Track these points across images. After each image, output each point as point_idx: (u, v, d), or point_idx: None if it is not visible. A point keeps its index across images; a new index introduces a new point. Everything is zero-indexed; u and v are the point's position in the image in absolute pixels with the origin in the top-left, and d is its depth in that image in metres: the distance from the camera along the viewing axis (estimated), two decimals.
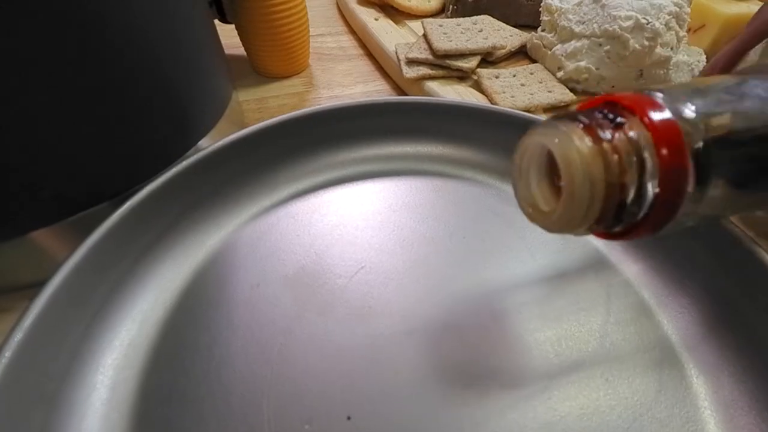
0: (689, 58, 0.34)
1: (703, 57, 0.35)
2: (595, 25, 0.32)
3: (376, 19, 0.41)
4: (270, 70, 0.35)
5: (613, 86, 0.33)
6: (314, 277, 0.20)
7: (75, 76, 0.16)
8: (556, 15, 0.35)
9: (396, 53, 0.35)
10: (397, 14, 0.42)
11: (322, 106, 0.24)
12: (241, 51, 0.35)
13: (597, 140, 0.12)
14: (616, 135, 0.12)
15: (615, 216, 0.12)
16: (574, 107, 0.14)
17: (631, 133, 0.12)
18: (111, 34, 0.17)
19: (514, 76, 0.33)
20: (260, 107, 0.33)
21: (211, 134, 0.23)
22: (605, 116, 0.12)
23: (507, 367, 0.17)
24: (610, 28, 0.31)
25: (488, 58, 0.35)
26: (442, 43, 0.33)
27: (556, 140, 0.12)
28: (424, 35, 0.35)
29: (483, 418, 0.16)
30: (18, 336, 0.14)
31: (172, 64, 0.20)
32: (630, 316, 0.19)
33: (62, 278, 0.15)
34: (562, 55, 0.34)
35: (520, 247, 0.21)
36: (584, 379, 0.17)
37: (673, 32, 0.32)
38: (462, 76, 0.33)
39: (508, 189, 0.24)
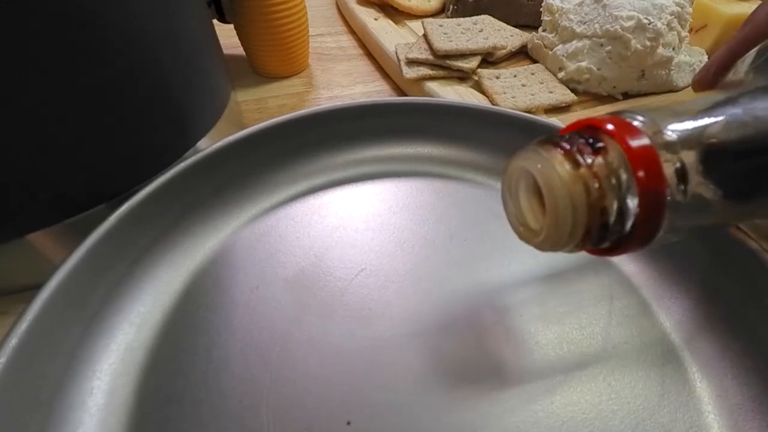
0: (691, 59, 0.34)
1: (705, 57, 0.35)
2: (596, 26, 0.32)
3: (376, 19, 0.40)
4: (269, 71, 0.35)
5: (614, 86, 0.33)
6: (314, 280, 0.20)
7: (72, 76, 0.16)
8: (557, 15, 0.35)
9: (396, 53, 0.34)
10: (397, 14, 0.42)
11: (321, 106, 0.24)
12: (240, 51, 0.35)
13: (577, 166, 0.12)
14: (596, 160, 0.12)
15: (599, 236, 0.13)
16: (557, 131, 0.14)
17: (610, 158, 0.12)
18: (109, 34, 0.16)
19: (515, 76, 0.33)
20: (259, 108, 0.32)
21: (210, 135, 0.23)
22: (586, 141, 0.13)
23: (508, 371, 0.17)
24: (612, 29, 0.31)
25: (489, 59, 0.35)
26: (442, 44, 0.32)
27: (539, 166, 0.13)
28: (425, 35, 0.34)
29: (484, 422, 0.16)
30: (13, 341, 0.14)
31: (170, 64, 0.20)
32: (632, 319, 0.19)
33: (58, 282, 0.15)
34: (563, 56, 0.33)
35: (520, 248, 0.21)
36: (586, 383, 0.17)
37: (675, 32, 0.32)
38: (462, 76, 0.33)
39: None
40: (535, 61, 0.37)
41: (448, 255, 0.21)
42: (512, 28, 0.38)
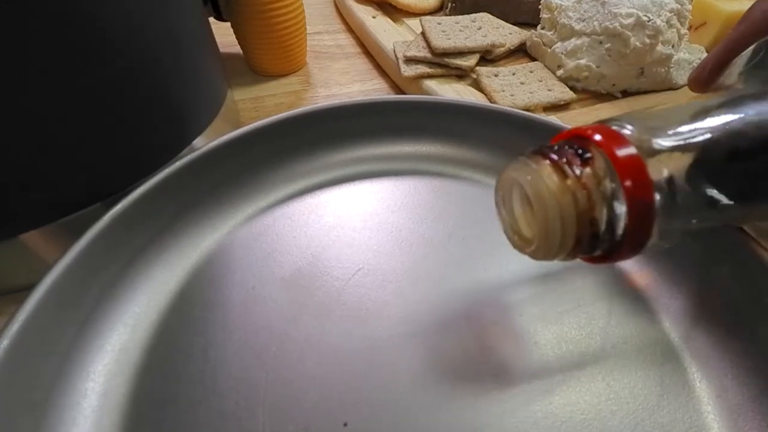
0: (690, 56, 0.34)
1: (704, 55, 0.35)
2: (595, 23, 0.32)
3: (374, 17, 0.40)
4: (266, 69, 0.35)
5: (613, 84, 0.33)
6: (311, 279, 0.19)
7: (67, 75, 0.16)
8: (555, 12, 0.34)
9: (394, 51, 0.34)
10: (395, 12, 0.42)
11: (319, 105, 0.23)
12: (237, 49, 0.35)
13: (565, 177, 0.13)
14: (585, 171, 0.13)
15: (590, 245, 0.13)
16: (547, 141, 0.14)
17: (598, 168, 0.12)
18: (104, 33, 0.16)
19: (514, 74, 0.33)
20: (256, 106, 0.32)
21: (206, 133, 0.23)
22: (575, 151, 0.13)
23: (507, 371, 0.17)
24: (611, 26, 0.31)
25: (487, 57, 0.35)
26: (440, 41, 0.32)
27: (528, 177, 0.13)
28: (423, 33, 0.34)
29: (482, 423, 0.15)
30: (4, 342, 0.13)
31: (165, 62, 0.19)
32: (631, 318, 0.19)
33: (51, 282, 0.15)
34: (562, 53, 0.33)
35: None
36: (585, 383, 0.17)
37: (675, 30, 0.32)
38: (461, 74, 0.33)
39: None
40: (533, 59, 0.36)
41: (446, 254, 0.21)
42: (511, 25, 0.37)
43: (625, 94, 0.33)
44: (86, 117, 0.17)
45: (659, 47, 0.31)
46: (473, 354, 0.17)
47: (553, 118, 0.27)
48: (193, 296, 0.19)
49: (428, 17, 0.35)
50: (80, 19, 0.15)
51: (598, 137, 0.13)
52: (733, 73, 0.17)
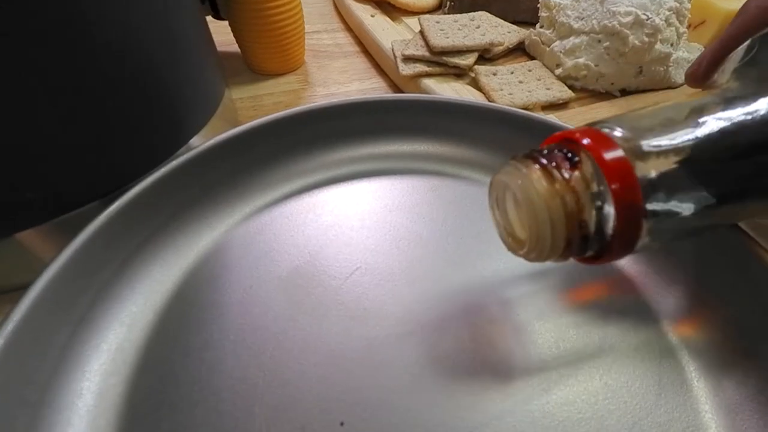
0: (689, 55, 0.34)
1: None
2: (594, 21, 0.32)
3: (373, 16, 0.40)
4: (264, 68, 0.35)
5: (612, 83, 0.32)
6: (308, 279, 0.19)
7: (62, 74, 0.16)
8: (554, 11, 0.34)
9: (392, 50, 0.34)
10: (394, 11, 0.42)
11: (316, 103, 0.23)
12: (235, 48, 0.35)
13: (554, 181, 0.13)
14: (573, 174, 0.13)
15: (581, 246, 0.13)
16: (538, 145, 0.15)
17: (586, 172, 0.13)
18: (100, 31, 0.16)
19: (512, 73, 0.33)
20: (255, 105, 0.32)
21: (203, 132, 0.23)
22: (564, 155, 0.13)
23: (504, 370, 0.17)
24: (610, 24, 0.31)
25: (486, 55, 0.35)
26: (438, 40, 0.32)
27: (519, 182, 0.13)
28: (421, 32, 0.34)
29: (480, 422, 0.15)
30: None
31: (163, 61, 0.19)
32: (629, 317, 0.19)
33: (47, 281, 0.15)
34: (560, 52, 0.33)
35: None
36: (583, 382, 0.17)
37: (673, 28, 0.32)
38: (459, 73, 0.33)
39: None
40: (532, 58, 0.36)
41: (444, 253, 0.21)
42: (509, 24, 0.37)
43: (624, 92, 0.33)
44: (83, 115, 0.17)
45: (658, 46, 0.31)
46: (471, 353, 0.17)
47: (552, 117, 0.27)
48: (190, 295, 0.19)
49: (427, 16, 0.35)
50: (78, 18, 0.15)
51: (586, 141, 0.13)
52: (728, 69, 0.17)
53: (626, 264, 0.21)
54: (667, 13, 0.31)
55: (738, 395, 0.16)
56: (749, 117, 0.13)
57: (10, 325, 0.14)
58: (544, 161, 0.13)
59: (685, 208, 0.13)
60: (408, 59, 0.33)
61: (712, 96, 0.15)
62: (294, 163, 0.24)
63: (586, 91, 0.33)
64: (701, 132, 0.13)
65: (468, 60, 0.32)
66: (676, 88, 0.34)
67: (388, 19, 0.40)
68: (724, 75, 0.17)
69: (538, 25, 0.37)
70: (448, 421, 0.15)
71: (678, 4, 0.32)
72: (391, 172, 0.24)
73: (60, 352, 0.16)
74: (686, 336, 0.18)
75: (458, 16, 0.36)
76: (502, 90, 0.31)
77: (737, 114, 0.13)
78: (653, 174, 0.12)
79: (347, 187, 0.24)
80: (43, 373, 0.15)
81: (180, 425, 0.15)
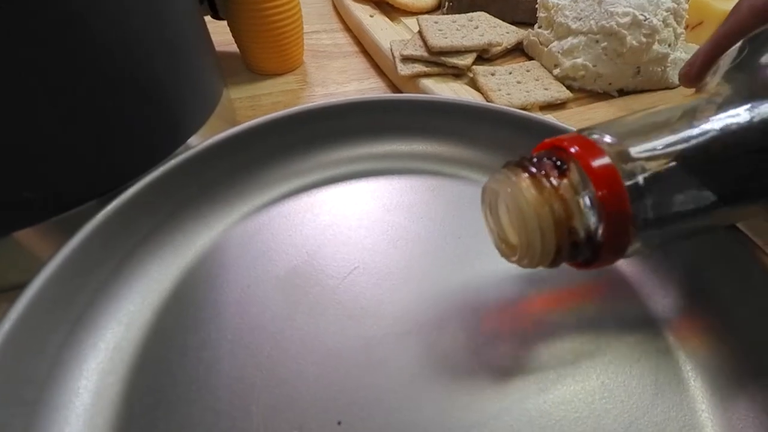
0: (687, 55, 0.34)
1: None
2: (592, 22, 0.32)
3: (371, 16, 0.40)
4: (263, 68, 0.35)
5: (610, 83, 0.33)
6: (306, 278, 0.19)
7: (61, 73, 0.16)
8: (552, 11, 0.34)
9: (391, 50, 0.34)
10: (393, 11, 0.42)
11: (315, 103, 0.23)
12: (234, 48, 0.35)
13: (543, 189, 0.13)
14: (562, 182, 0.13)
15: (571, 252, 0.14)
16: (528, 152, 0.15)
17: (574, 179, 0.13)
18: (97, 30, 0.16)
19: (510, 73, 0.33)
20: (253, 105, 0.32)
21: (202, 132, 0.23)
22: (553, 163, 0.13)
23: (501, 370, 0.17)
24: (607, 25, 0.31)
25: (484, 56, 0.35)
26: (437, 40, 0.32)
27: (509, 190, 0.14)
28: (420, 32, 0.34)
29: (477, 421, 0.15)
30: None
31: (161, 60, 0.19)
32: (626, 318, 0.19)
33: (44, 280, 0.15)
34: (558, 52, 0.33)
35: None
36: (580, 381, 0.17)
37: (671, 29, 0.32)
38: (457, 73, 0.33)
39: None
40: (530, 58, 0.36)
41: (441, 253, 0.21)
42: (508, 24, 0.37)
43: (622, 93, 0.33)
44: (82, 115, 0.17)
45: (655, 46, 0.31)
46: (468, 353, 0.17)
47: (550, 117, 0.27)
48: (188, 294, 0.19)
49: (425, 16, 0.35)
50: (77, 19, 0.15)
51: (573, 149, 0.13)
52: (722, 69, 0.17)
53: (623, 264, 0.21)
54: (665, 13, 0.31)
55: (734, 395, 0.16)
56: (735, 124, 0.13)
57: (8, 323, 0.14)
58: (534, 170, 0.13)
59: (673, 213, 0.13)
60: (406, 59, 0.33)
61: (700, 101, 0.15)
62: (292, 162, 0.24)
63: (584, 91, 0.33)
64: (688, 138, 0.13)
65: (466, 60, 0.32)
66: (674, 88, 0.34)
67: (386, 19, 0.40)
68: (718, 75, 0.17)
69: (536, 26, 0.37)
70: (445, 419, 0.15)
71: (675, 5, 0.32)
72: (389, 171, 0.24)
73: (57, 351, 0.16)
74: (683, 336, 0.18)
75: (457, 16, 0.36)
76: (500, 90, 0.31)
77: (723, 121, 0.14)
78: (641, 181, 0.13)
79: (345, 186, 0.24)
80: (40, 371, 0.15)
81: (177, 424, 0.15)
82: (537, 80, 0.32)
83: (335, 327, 0.18)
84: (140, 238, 0.19)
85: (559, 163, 0.13)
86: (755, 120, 0.13)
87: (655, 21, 0.30)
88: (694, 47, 0.35)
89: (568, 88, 0.32)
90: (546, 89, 0.31)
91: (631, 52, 0.31)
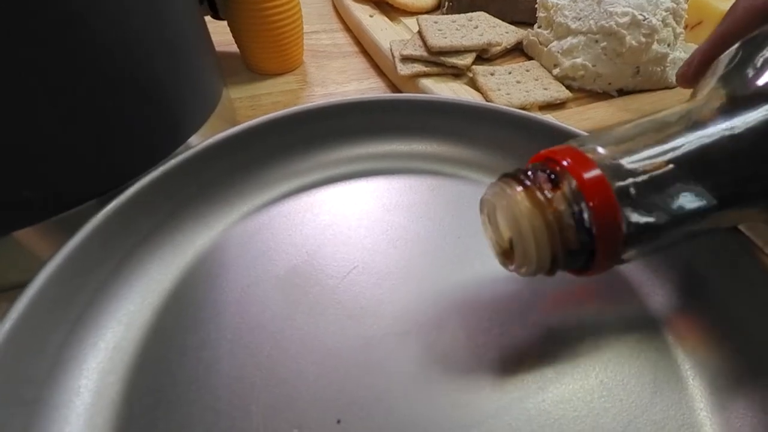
0: (686, 55, 0.34)
1: None
2: (591, 22, 0.32)
3: (371, 16, 0.40)
4: (263, 68, 0.35)
5: (609, 83, 0.33)
6: (306, 278, 0.19)
7: (61, 73, 0.16)
8: (552, 11, 0.34)
9: (391, 50, 0.34)
10: (392, 11, 0.42)
11: (315, 103, 0.23)
12: (234, 48, 0.35)
13: (537, 201, 0.13)
14: (555, 194, 0.13)
15: (566, 261, 0.14)
16: (527, 152, 0.16)
17: (566, 191, 0.13)
18: (97, 29, 0.16)
19: (510, 73, 0.33)
20: (253, 105, 0.32)
21: (202, 131, 0.23)
22: (547, 175, 0.14)
23: (500, 368, 0.17)
24: (607, 25, 0.31)
25: (484, 55, 0.35)
26: (436, 40, 0.32)
27: (504, 202, 0.14)
28: (419, 32, 0.34)
29: (476, 420, 0.16)
30: None
31: (161, 60, 0.19)
32: (625, 316, 0.19)
33: (44, 279, 0.15)
34: (558, 52, 0.33)
35: None
36: (578, 380, 0.17)
37: (670, 29, 0.32)
38: (457, 73, 0.33)
39: None
40: (530, 58, 0.36)
41: (441, 253, 0.21)
42: (507, 24, 0.37)
43: (621, 92, 0.33)
44: (82, 115, 0.17)
45: (655, 46, 0.31)
46: (467, 352, 0.17)
47: (549, 117, 0.27)
48: (188, 294, 0.19)
49: (425, 16, 0.35)
50: (76, 18, 0.15)
51: (565, 162, 0.13)
52: (719, 69, 0.17)
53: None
54: (664, 13, 0.31)
55: (733, 394, 0.16)
56: (728, 132, 0.14)
57: (8, 323, 0.14)
58: (528, 182, 0.14)
59: (665, 221, 0.13)
60: (406, 59, 0.33)
61: (694, 106, 0.15)
62: (292, 162, 0.24)
63: (584, 91, 0.33)
64: (680, 147, 0.13)
65: (466, 60, 0.32)
66: (673, 88, 0.34)
67: (386, 19, 0.40)
68: (715, 76, 0.17)
69: (535, 26, 0.37)
70: (444, 418, 0.16)
71: (675, 5, 0.32)
72: (388, 171, 0.25)
73: (57, 351, 0.16)
74: (681, 335, 0.18)
75: (456, 16, 0.36)
76: (499, 90, 0.31)
77: (716, 129, 0.14)
78: (632, 191, 0.13)
79: (345, 186, 0.24)
80: (40, 371, 0.15)
81: (177, 423, 0.15)
82: (536, 80, 0.32)
83: (335, 327, 0.18)
84: (140, 238, 0.19)
85: (552, 176, 0.14)
86: (748, 128, 0.14)
87: (654, 21, 0.30)
88: (694, 47, 0.35)
89: (568, 87, 0.32)
90: (545, 89, 0.31)
91: (630, 52, 0.31)
